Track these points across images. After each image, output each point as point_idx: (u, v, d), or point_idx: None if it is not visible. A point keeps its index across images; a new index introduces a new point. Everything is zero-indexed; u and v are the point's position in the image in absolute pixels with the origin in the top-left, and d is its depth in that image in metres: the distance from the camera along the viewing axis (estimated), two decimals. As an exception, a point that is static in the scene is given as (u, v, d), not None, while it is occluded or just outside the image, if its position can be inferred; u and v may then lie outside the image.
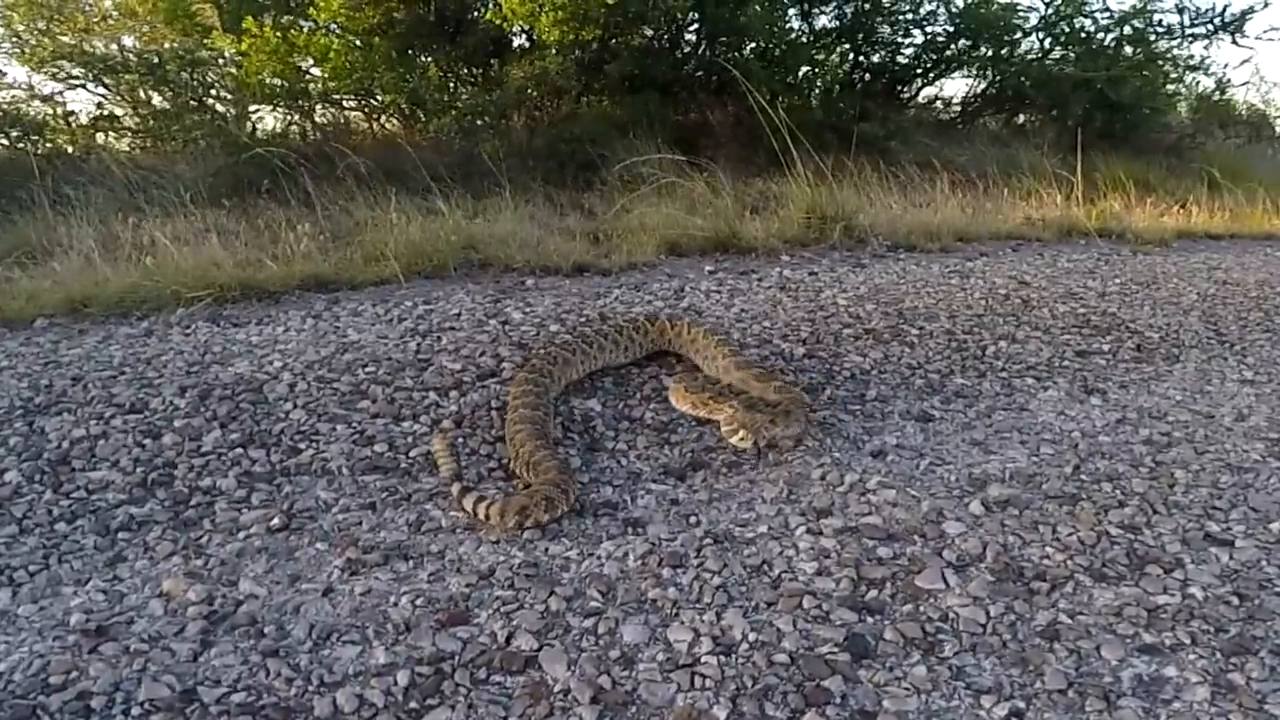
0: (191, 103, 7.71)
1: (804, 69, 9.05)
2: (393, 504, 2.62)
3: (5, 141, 7.40)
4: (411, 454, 2.89)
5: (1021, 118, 11.02)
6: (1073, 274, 5.61)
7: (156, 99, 7.97)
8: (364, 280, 4.66)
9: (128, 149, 7.80)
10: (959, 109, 10.84)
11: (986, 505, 2.65)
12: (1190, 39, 10.59)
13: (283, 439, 2.93)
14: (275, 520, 2.51)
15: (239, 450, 2.87)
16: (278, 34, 7.05)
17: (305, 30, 7.51)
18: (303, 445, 2.90)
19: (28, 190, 5.78)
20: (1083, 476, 2.88)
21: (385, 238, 5.06)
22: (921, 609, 2.17)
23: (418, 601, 2.16)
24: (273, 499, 2.63)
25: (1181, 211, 8.13)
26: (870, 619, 2.13)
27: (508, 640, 2.03)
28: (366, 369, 3.44)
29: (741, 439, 2.75)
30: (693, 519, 2.56)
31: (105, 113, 7.99)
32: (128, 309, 4.20)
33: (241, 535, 2.46)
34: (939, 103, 10.91)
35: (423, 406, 3.17)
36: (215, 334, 3.88)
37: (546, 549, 2.40)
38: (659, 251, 5.44)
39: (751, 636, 2.05)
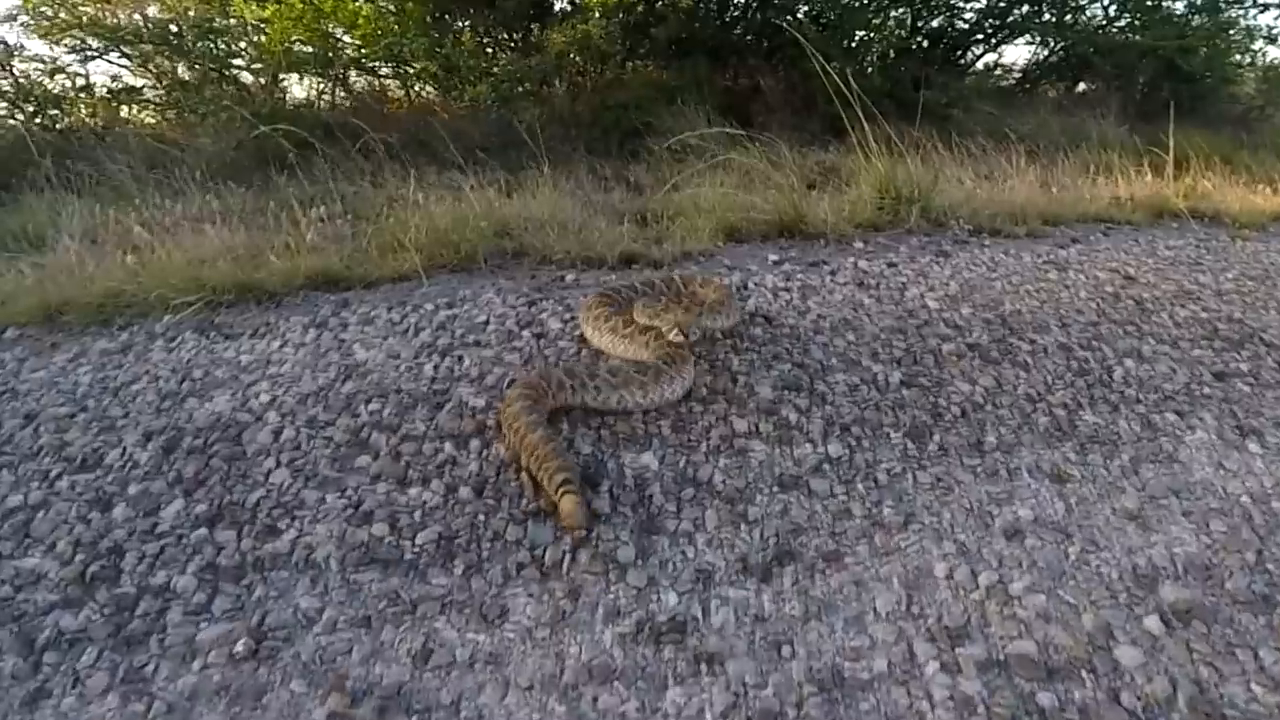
0: (212, 72, 7.16)
1: (860, 34, 8.36)
2: (393, 619, 1.98)
3: (21, 117, 6.86)
4: (418, 540, 2.24)
5: (1083, 85, 10.36)
6: (1177, 265, 4.91)
7: (182, 70, 7.42)
8: (380, 277, 4.06)
9: (153, 121, 7.32)
10: (1019, 76, 10.19)
11: (1164, 618, 2.02)
12: (1261, 8, 10.21)
13: (258, 515, 2.32)
14: (240, 644, 1.89)
15: (203, 531, 2.26)
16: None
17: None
18: (283, 525, 2.28)
19: (38, 168, 5.33)
20: (1269, 566, 2.24)
21: (405, 224, 4.44)
22: (1113, 801, 1.56)
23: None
24: (240, 606, 2.02)
25: (1271, 191, 7.36)
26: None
27: None
28: (370, 406, 2.84)
29: (675, 334, 3.04)
30: (786, 648, 1.92)
31: (125, 85, 7.46)
32: (109, 316, 3.65)
33: (196, 665, 1.85)
34: (999, 69, 10.28)
35: (435, 465, 2.54)
36: (201, 350, 3.31)
37: (595, 699, 1.76)
38: (715, 238, 4.77)
39: None
